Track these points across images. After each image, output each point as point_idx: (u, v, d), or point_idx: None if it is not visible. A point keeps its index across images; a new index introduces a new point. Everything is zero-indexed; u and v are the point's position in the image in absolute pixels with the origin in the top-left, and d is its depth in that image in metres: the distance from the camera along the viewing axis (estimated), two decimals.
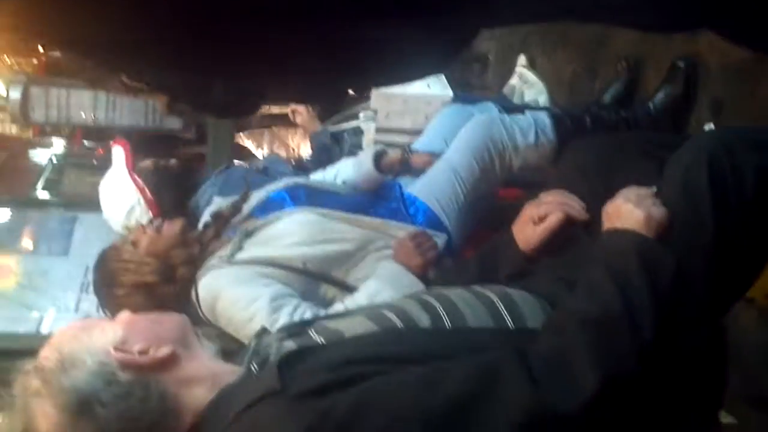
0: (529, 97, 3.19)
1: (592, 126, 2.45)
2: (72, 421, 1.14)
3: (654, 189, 1.29)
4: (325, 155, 3.10)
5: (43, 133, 5.05)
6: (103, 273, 2.20)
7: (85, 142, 4.90)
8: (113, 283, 2.15)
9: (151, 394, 1.16)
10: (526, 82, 3.24)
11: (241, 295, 2.00)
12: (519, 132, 2.38)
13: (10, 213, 3.41)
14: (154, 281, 2.12)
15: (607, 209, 1.30)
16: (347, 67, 1.28)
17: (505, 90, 3.35)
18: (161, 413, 1.17)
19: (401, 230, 2.20)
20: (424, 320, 1.25)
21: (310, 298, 2.06)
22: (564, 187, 1.52)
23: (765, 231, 1.23)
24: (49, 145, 4.84)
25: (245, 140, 4.52)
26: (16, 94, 4.21)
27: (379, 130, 2.99)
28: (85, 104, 4.36)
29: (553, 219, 1.46)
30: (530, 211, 1.50)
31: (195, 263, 2.17)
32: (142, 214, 2.59)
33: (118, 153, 2.74)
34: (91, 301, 2.49)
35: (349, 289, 2.09)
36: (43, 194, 4.17)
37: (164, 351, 1.19)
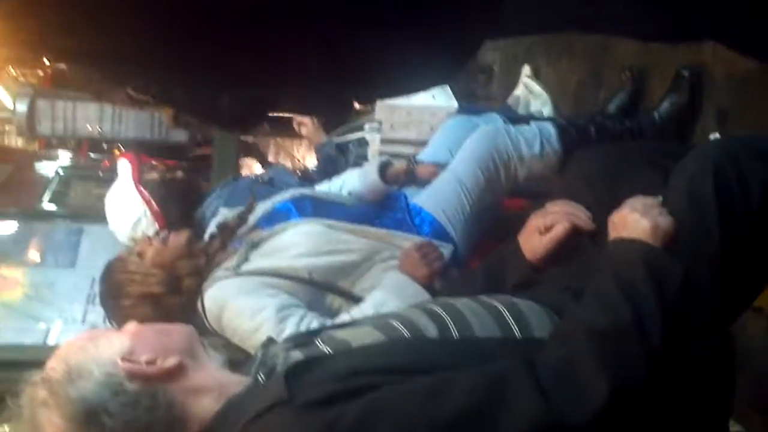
0: (534, 107, 3.19)
1: (597, 136, 2.45)
2: (79, 431, 1.14)
3: (660, 198, 1.29)
4: (330, 166, 3.10)
5: (49, 145, 5.06)
6: (109, 284, 2.20)
7: (92, 155, 4.91)
8: (120, 294, 2.15)
9: (159, 404, 1.17)
10: (532, 92, 3.24)
11: (247, 305, 2.00)
12: (524, 142, 2.38)
13: (17, 225, 3.42)
14: (161, 292, 2.13)
15: (614, 219, 1.30)
16: (352, 78, 1.29)
17: (510, 100, 3.35)
18: (168, 423, 1.17)
19: (407, 241, 2.20)
20: (431, 330, 1.25)
21: (316, 309, 2.06)
22: (570, 197, 1.52)
23: None
24: (55, 158, 4.86)
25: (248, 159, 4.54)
26: (22, 107, 4.22)
27: (384, 141, 2.99)
28: (91, 117, 4.37)
29: (560, 229, 1.46)
30: (536, 221, 1.50)
31: (201, 274, 2.17)
32: (148, 225, 2.60)
33: (124, 165, 2.75)
34: (97, 313, 2.50)
35: (355, 299, 2.09)
36: (49, 206, 4.19)
37: (171, 361, 1.19)
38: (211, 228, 2.42)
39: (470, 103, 3.24)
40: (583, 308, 1.19)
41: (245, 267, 2.14)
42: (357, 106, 3.29)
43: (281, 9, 1.00)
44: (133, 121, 4.44)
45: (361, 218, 2.31)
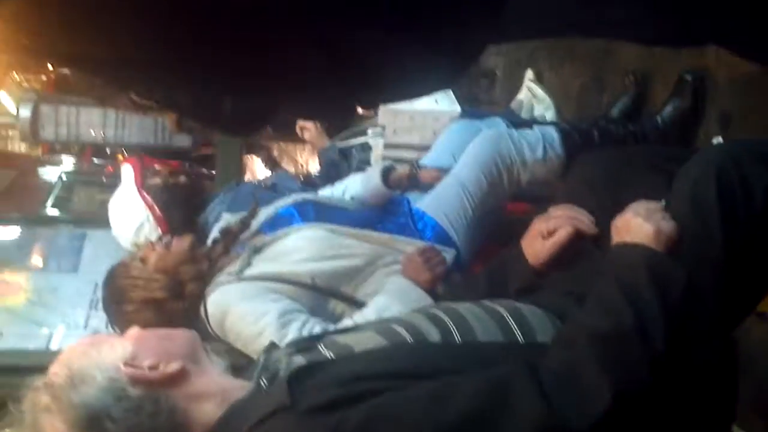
0: (537, 111, 3.19)
1: (600, 140, 2.45)
2: None
3: (663, 203, 1.29)
4: (333, 171, 3.11)
5: (53, 150, 5.07)
6: (112, 289, 2.20)
7: (95, 160, 4.91)
8: (122, 300, 2.15)
9: (161, 409, 1.17)
10: (535, 96, 3.24)
11: (249, 310, 2.00)
12: (527, 146, 2.38)
13: (20, 230, 3.42)
14: (163, 297, 2.13)
15: (617, 223, 1.30)
16: (355, 83, 1.29)
17: (513, 105, 3.35)
18: (171, 428, 1.17)
19: (410, 245, 2.20)
20: (433, 335, 1.25)
21: (319, 314, 2.05)
22: (572, 202, 1.52)
23: None
24: (58, 163, 4.86)
25: (254, 156, 4.54)
26: (26, 112, 4.23)
27: (387, 146, 2.99)
28: (94, 122, 4.38)
29: (563, 233, 1.46)
30: (539, 225, 1.50)
31: (204, 279, 2.17)
32: (151, 231, 2.60)
33: (128, 170, 2.76)
34: (100, 318, 2.50)
35: (357, 304, 2.09)
36: (52, 211, 4.19)
37: (174, 366, 1.19)
38: (214, 233, 2.42)
39: (473, 108, 3.24)
40: (585, 313, 1.19)
41: (248, 272, 2.14)
42: (360, 110, 3.30)
43: (283, 13, 1.00)
44: (136, 126, 4.44)
45: (364, 223, 2.31)
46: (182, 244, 2.25)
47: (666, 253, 1.21)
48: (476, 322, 1.27)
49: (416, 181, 2.54)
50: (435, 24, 1.13)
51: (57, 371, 1.20)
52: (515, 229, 1.62)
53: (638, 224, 1.24)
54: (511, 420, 1.02)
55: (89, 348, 1.22)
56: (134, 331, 1.28)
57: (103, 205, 2.85)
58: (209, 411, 1.19)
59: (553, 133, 2.44)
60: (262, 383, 1.21)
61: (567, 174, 1.77)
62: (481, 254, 2.38)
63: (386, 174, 2.51)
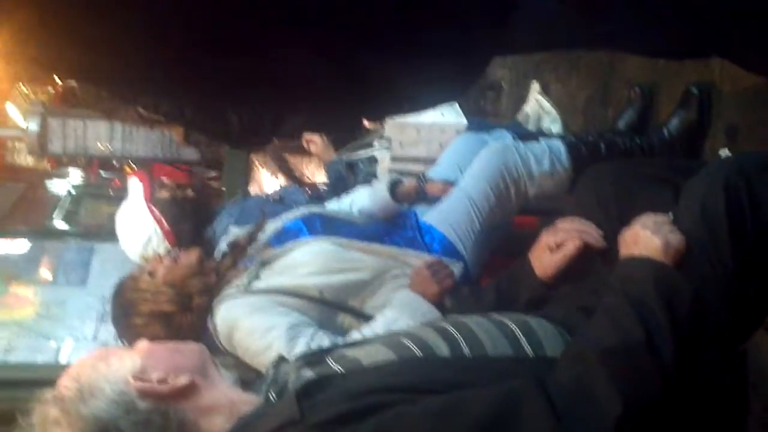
0: (544, 124, 3.20)
1: (606, 153, 2.45)
2: None
3: (670, 216, 1.29)
4: (340, 184, 3.11)
5: (60, 163, 5.09)
6: (120, 302, 2.21)
7: (102, 173, 4.93)
8: (130, 313, 2.16)
9: (170, 422, 1.17)
10: (542, 109, 3.25)
11: (257, 324, 2.00)
12: (533, 159, 2.37)
13: (28, 244, 3.44)
14: (171, 310, 2.13)
15: (624, 236, 1.30)
16: (362, 96, 1.29)
17: (520, 117, 3.36)
18: None
19: (417, 259, 2.20)
20: (442, 348, 1.25)
21: (327, 327, 2.05)
22: (580, 215, 1.52)
23: None
24: (66, 176, 4.88)
25: (261, 169, 4.54)
26: (34, 126, 4.25)
27: (393, 159, 3.00)
28: (101, 135, 4.39)
29: (570, 246, 1.46)
30: (547, 238, 1.50)
31: (212, 292, 2.17)
32: (159, 244, 2.60)
33: (135, 184, 2.76)
34: (108, 331, 2.50)
35: (365, 317, 2.09)
36: (60, 225, 4.20)
37: (183, 380, 1.20)
38: (222, 246, 2.43)
39: (479, 120, 3.24)
40: (594, 327, 1.18)
41: (256, 285, 2.14)
42: (366, 123, 3.31)
43: (291, 27, 1.01)
44: (143, 139, 4.46)
45: (371, 236, 2.31)
46: (190, 257, 2.25)
47: (674, 266, 1.21)
48: (485, 336, 1.27)
49: (423, 195, 2.55)
50: (441, 37, 1.13)
51: (66, 384, 1.20)
52: (522, 242, 1.62)
53: (646, 237, 1.24)
54: None
55: (98, 361, 1.23)
56: (143, 344, 1.28)
57: (111, 218, 2.86)
58: (218, 424, 1.18)
59: (559, 145, 2.43)
60: (270, 397, 1.21)
61: (574, 187, 1.77)
62: (489, 267, 2.38)
63: (393, 187, 2.52)
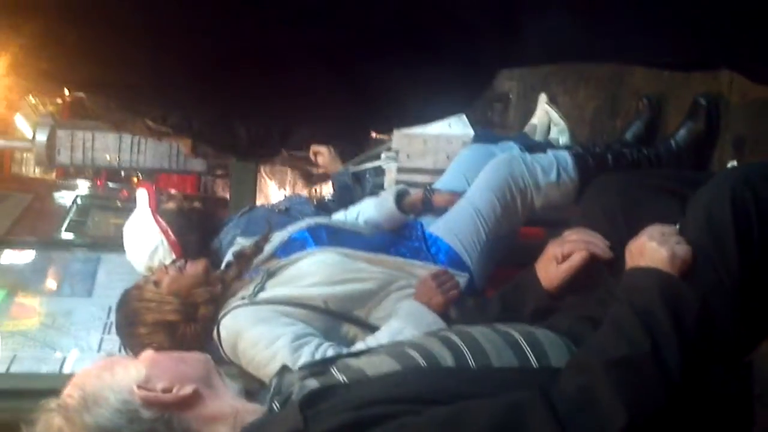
0: (552, 135, 3.19)
1: (613, 164, 2.44)
2: None
3: (677, 227, 1.29)
4: (347, 195, 3.11)
5: (67, 174, 5.11)
6: (125, 312, 2.21)
7: (110, 184, 4.95)
8: (135, 322, 2.16)
9: (174, 431, 1.16)
10: (551, 119, 3.25)
11: (262, 334, 2.00)
12: (540, 170, 2.37)
13: (35, 254, 3.44)
14: (176, 320, 2.13)
15: (631, 247, 1.30)
16: (369, 108, 1.29)
17: (527, 129, 3.36)
18: None
19: (423, 269, 2.20)
20: (447, 358, 1.25)
21: (332, 338, 2.05)
22: (587, 226, 1.52)
23: None
24: (74, 187, 4.90)
25: (268, 180, 4.55)
26: (42, 137, 4.27)
27: (400, 170, 2.99)
28: (110, 147, 4.41)
29: (577, 257, 1.45)
30: (553, 249, 1.49)
31: (217, 302, 2.17)
32: (165, 255, 2.61)
33: (142, 195, 2.77)
34: (113, 342, 2.50)
35: (370, 328, 2.09)
36: (67, 235, 4.21)
37: (187, 389, 1.20)
38: (228, 257, 2.43)
39: (486, 132, 3.24)
40: (600, 337, 1.18)
41: (261, 296, 2.14)
42: (373, 134, 3.31)
43: (290, 27, 1.01)
44: (151, 150, 4.48)
45: (378, 247, 2.31)
46: (196, 267, 2.25)
47: (680, 277, 1.20)
48: (490, 346, 1.26)
49: (430, 205, 2.54)
50: (448, 49, 1.13)
51: (70, 393, 1.20)
52: (529, 253, 1.61)
53: (652, 248, 1.24)
54: None
55: (103, 370, 1.23)
56: (148, 353, 1.29)
57: (118, 229, 2.86)
58: None
59: (566, 156, 2.43)
60: (274, 407, 1.21)
61: (581, 198, 1.77)
62: (495, 278, 2.37)
63: (400, 198, 2.52)
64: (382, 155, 3.08)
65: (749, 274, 1.19)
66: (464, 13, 1.09)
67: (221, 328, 2.09)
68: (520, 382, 1.16)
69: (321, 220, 2.53)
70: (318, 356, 1.90)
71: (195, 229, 2.75)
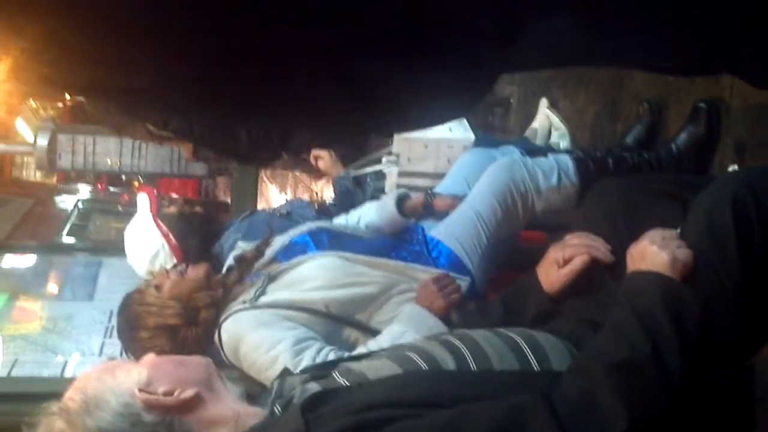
0: (553, 139, 3.19)
1: (614, 168, 2.44)
2: None
3: (678, 231, 1.29)
4: (347, 199, 3.11)
5: (68, 179, 5.12)
6: (126, 316, 2.21)
7: (111, 188, 4.96)
8: (136, 326, 2.16)
9: None
10: (552, 123, 3.25)
11: (263, 338, 2.00)
12: (541, 174, 2.37)
13: (36, 258, 3.45)
14: (177, 324, 2.13)
15: (632, 251, 1.30)
16: (370, 113, 1.29)
17: (528, 133, 3.35)
18: None
19: (424, 273, 2.20)
20: (448, 362, 1.25)
21: (334, 341, 2.05)
22: (588, 230, 1.52)
23: None
24: (75, 192, 4.90)
25: (270, 184, 4.55)
26: (43, 141, 4.27)
27: (401, 174, 2.99)
28: (111, 151, 4.42)
29: (578, 261, 1.45)
30: (555, 253, 1.49)
31: (218, 306, 2.17)
32: (166, 259, 2.61)
33: (143, 199, 2.77)
34: (115, 346, 2.51)
35: (372, 332, 2.08)
36: (68, 240, 4.21)
37: (189, 393, 1.20)
38: (229, 261, 2.43)
39: (487, 136, 3.24)
40: (601, 340, 1.18)
41: (263, 300, 2.14)
42: (374, 139, 3.31)
43: (297, 40, 1.01)
44: (152, 155, 4.48)
45: (379, 251, 2.31)
46: (197, 271, 2.25)
47: (681, 280, 1.21)
48: (491, 349, 1.26)
49: (431, 209, 2.54)
50: (450, 52, 1.13)
51: (72, 396, 1.20)
52: (530, 257, 1.61)
53: (653, 252, 1.24)
54: None
55: (104, 374, 1.23)
56: (150, 357, 1.29)
57: (119, 233, 2.87)
58: None
59: (567, 161, 2.43)
60: (276, 410, 1.21)
61: (582, 202, 1.77)
62: (496, 282, 2.37)
63: (401, 202, 2.52)
64: (383, 159, 3.08)
65: (750, 277, 1.20)
66: (465, 14, 1.09)
67: (222, 331, 2.09)
68: (522, 385, 1.16)
69: (322, 224, 2.53)
70: (319, 360, 1.90)
71: (196, 233, 2.75)
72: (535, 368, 1.26)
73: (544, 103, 3.37)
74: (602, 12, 1.18)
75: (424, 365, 1.24)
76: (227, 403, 1.24)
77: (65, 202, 4.80)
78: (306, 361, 1.90)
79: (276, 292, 2.16)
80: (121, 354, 2.32)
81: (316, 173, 4.17)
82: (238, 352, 2.04)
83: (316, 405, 1.10)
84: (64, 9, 0.89)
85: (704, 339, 1.14)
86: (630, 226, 1.42)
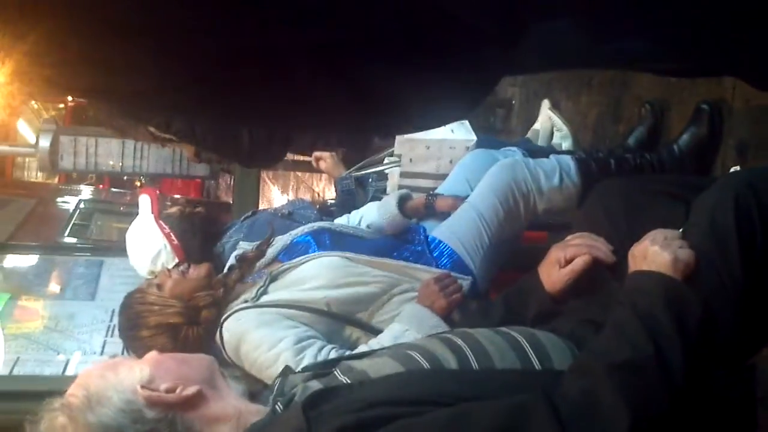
0: (555, 140, 3.20)
1: (616, 169, 2.44)
2: None
3: (680, 231, 1.29)
4: (350, 200, 3.11)
5: (70, 179, 5.13)
6: (128, 315, 2.21)
7: (113, 189, 4.96)
8: (138, 325, 2.16)
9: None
10: (554, 124, 3.25)
11: (265, 336, 2.00)
12: (543, 175, 2.37)
13: (38, 258, 3.45)
14: (179, 322, 2.13)
15: (634, 251, 1.30)
16: (370, 115, 1.29)
17: (530, 134, 3.36)
18: None
19: (426, 273, 2.20)
20: (450, 360, 1.25)
21: (335, 340, 2.05)
22: (589, 230, 1.52)
23: None
24: (77, 192, 4.91)
25: (271, 184, 4.56)
26: (45, 143, 4.27)
27: (403, 175, 2.99)
28: (113, 152, 4.42)
29: (580, 261, 1.45)
30: (557, 253, 1.49)
31: (219, 306, 2.18)
32: (168, 259, 2.61)
33: (145, 200, 2.78)
34: (116, 345, 2.51)
35: (373, 331, 2.09)
36: (70, 240, 4.21)
37: (191, 390, 1.20)
38: (231, 261, 2.43)
39: (489, 137, 3.25)
40: (602, 340, 1.18)
41: (264, 299, 2.14)
42: (376, 140, 3.32)
43: (297, 39, 1.01)
44: (154, 156, 4.48)
45: (380, 251, 2.31)
46: (199, 271, 2.26)
47: (683, 281, 1.21)
48: (492, 348, 1.27)
49: (432, 210, 2.54)
50: (451, 55, 1.13)
51: (74, 393, 1.21)
52: (532, 256, 1.61)
53: (655, 252, 1.24)
54: None
55: (107, 370, 1.23)
56: (152, 354, 1.29)
57: (121, 234, 2.87)
58: None
59: (569, 161, 2.43)
60: (277, 408, 1.21)
61: (584, 202, 1.77)
62: (498, 282, 2.37)
63: (402, 202, 2.52)
64: (385, 160, 3.09)
65: (752, 278, 1.20)
66: (467, 16, 1.09)
67: (224, 330, 2.09)
68: (523, 384, 1.16)
69: (324, 224, 2.53)
70: (320, 358, 1.90)
71: (198, 233, 2.76)
72: (537, 367, 1.26)
73: (546, 104, 3.37)
74: (603, 14, 1.18)
75: (425, 364, 1.24)
76: (229, 400, 1.25)
77: (67, 202, 4.80)
78: (307, 359, 1.91)
79: (278, 291, 2.16)
80: (122, 353, 2.32)
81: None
82: (240, 350, 2.04)
83: (318, 403, 1.10)
84: (63, 11, 0.90)
85: (706, 339, 1.14)
86: (632, 226, 1.42)
